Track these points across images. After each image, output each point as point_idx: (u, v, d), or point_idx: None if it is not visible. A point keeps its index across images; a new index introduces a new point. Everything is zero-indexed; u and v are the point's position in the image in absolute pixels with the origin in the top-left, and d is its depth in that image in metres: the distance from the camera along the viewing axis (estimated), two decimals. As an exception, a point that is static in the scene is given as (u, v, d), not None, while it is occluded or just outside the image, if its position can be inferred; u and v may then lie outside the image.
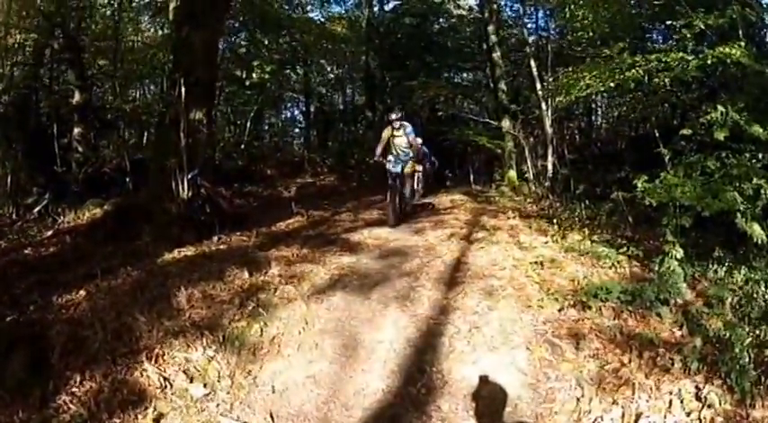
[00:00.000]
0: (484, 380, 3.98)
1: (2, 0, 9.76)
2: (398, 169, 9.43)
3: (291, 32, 19.35)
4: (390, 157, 9.64)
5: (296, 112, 27.40)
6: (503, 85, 16.73)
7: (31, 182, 10.44)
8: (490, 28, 16.74)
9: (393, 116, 9.65)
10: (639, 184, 5.75)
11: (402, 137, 9.49)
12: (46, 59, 13.73)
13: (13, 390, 3.49)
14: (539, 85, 15.05)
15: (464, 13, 20.46)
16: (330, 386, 4.02)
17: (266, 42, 19.58)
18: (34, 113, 13.01)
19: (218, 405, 3.74)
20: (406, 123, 9.60)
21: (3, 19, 10.19)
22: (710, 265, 5.42)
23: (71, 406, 3.47)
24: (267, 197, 14.31)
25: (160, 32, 17.46)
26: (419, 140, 11.65)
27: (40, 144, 11.67)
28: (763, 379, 3.47)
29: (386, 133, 9.63)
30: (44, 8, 10.97)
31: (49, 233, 8.05)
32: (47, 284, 5.34)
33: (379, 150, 9.62)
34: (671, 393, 3.51)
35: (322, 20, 21.81)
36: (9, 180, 9.76)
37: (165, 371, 3.93)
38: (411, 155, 9.66)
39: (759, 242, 4.93)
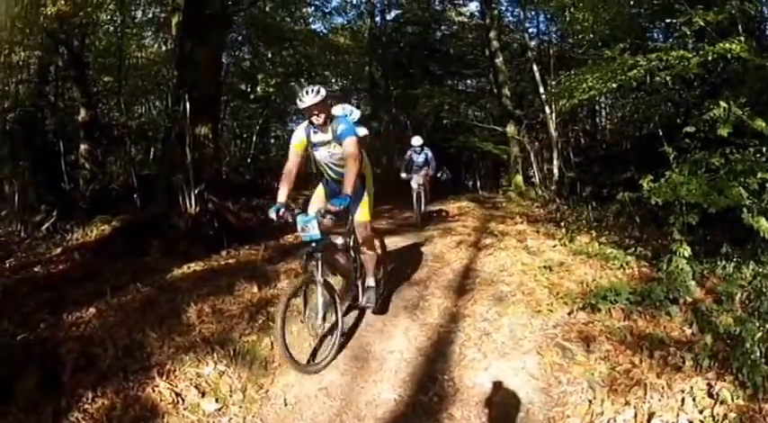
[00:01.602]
0: (496, 386, 3.97)
1: (5, 17, 9.88)
2: (320, 229, 4.31)
3: (295, 45, 19.47)
4: (315, 200, 4.94)
5: (302, 125, 27.52)
6: (506, 91, 16.87)
7: (38, 199, 10.49)
8: (492, 34, 16.89)
9: (306, 101, 4.25)
10: (645, 184, 5.73)
11: (330, 144, 4.55)
12: (51, 77, 13.93)
13: (26, 408, 3.49)
14: (542, 89, 15.12)
15: (465, 19, 20.58)
16: (342, 397, 4.01)
17: (270, 56, 19.74)
18: (40, 131, 13.09)
19: (230, 419, 3.74)
20: (338, 114, 4.55)
21: (7, 36, 10.29)
22: (719, 262, 5.39)
23: (84, 423, 3.48)
24: (275, 210, 14.29)
25: (164, 48, 17.63)
26: (421, 148, 10.43)
27: (47, 161, 11.74)
28: (774, 372, 3.45)
29: (296, 142, 4.64)
30: (48, 25, 11.08)
31: (58, 250, 8.10)
32: (57, 302, 5.37)
33: (283, 192, 4.58)
34: (683, 392, 3.48)
35: (325, 31, 21.96)
36: (17, 198, 9.83)
37: (176, 386, 3.92)
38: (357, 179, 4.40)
39: (766, 237, 4.90)
